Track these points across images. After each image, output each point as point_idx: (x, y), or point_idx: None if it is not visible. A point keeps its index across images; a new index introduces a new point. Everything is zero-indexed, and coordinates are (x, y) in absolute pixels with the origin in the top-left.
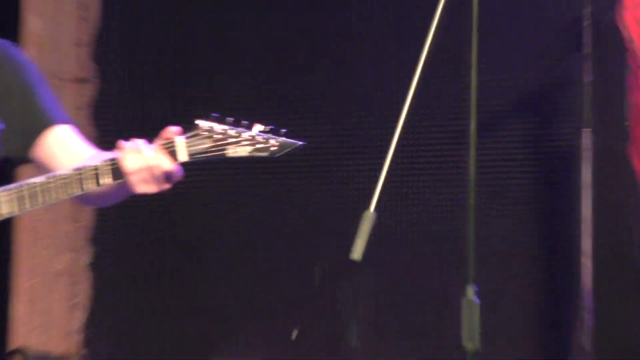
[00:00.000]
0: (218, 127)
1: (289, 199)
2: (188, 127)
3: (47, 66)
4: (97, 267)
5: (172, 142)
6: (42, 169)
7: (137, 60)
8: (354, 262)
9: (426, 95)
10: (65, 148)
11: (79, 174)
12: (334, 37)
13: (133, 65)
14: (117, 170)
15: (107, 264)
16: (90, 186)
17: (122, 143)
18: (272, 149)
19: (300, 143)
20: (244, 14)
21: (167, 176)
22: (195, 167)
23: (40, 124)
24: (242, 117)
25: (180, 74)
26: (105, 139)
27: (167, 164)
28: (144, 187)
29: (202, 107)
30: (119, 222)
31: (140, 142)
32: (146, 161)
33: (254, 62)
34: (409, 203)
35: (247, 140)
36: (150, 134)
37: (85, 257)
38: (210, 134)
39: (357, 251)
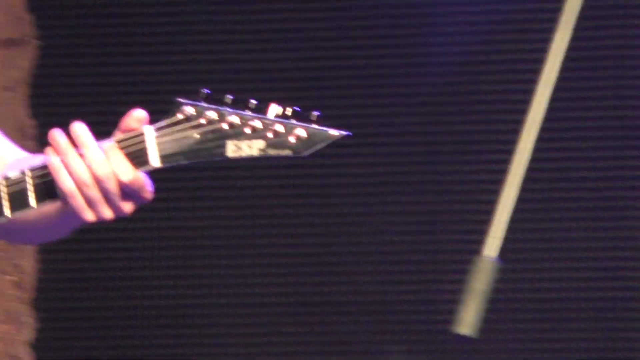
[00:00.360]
0: (210, 111)
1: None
2: (162, 110)
3: None
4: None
5: (137, 136)
6: None
7: (94, 13)
8: None
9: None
10: None
11: None
12: None
13: (88, 21)
14: (46, 187)
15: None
16: (8, 212)
17: (55, 138)
18: (298, 143)
19: (344, 133)
20: None
21: (129, 193)
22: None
23: None
24: (249, 94)
25: (156, 32)
26: (45, 139)
27: (126, 174)
28: (91, 212)
29: (188, 81)
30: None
31: (84, 138)
32: (92, 170)
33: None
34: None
35: (258, 131)
36: (110, 121)
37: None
38: (198, 121)
39: (467, 321)
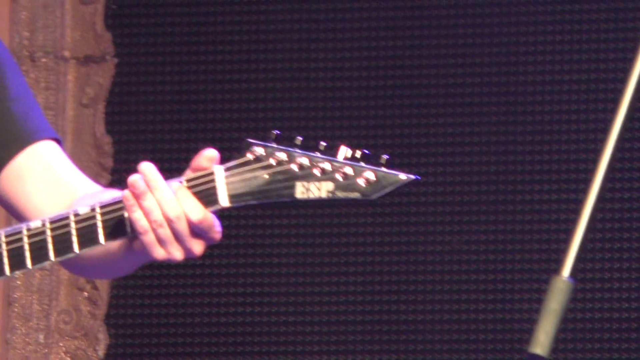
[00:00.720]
0: (280, 152)
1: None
2: (232, 148)
3: (31, 36)
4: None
5: (207, 175)
6: (7, 207)
7: (171, 32)
8: None
9: None
10: (45, 179)
11: (61, 226)
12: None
13: (165, 39)
14: (116, 224)
15: None
16: (77, 248)
17: (133, 179)
18: (366, 186)
19: (412, 177)
20: None
21: (198, 233)
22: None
23: (10, 141)
24: (319, 135)
25: (232, 69)
26: (124, 155)
27: (196, 213)
28: (162, 251)
29: (265, 118)
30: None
31: (154, 178)
32: (164, 211)
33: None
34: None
35: (327, 173)
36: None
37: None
38: (267, 162)
39: (541, 343)
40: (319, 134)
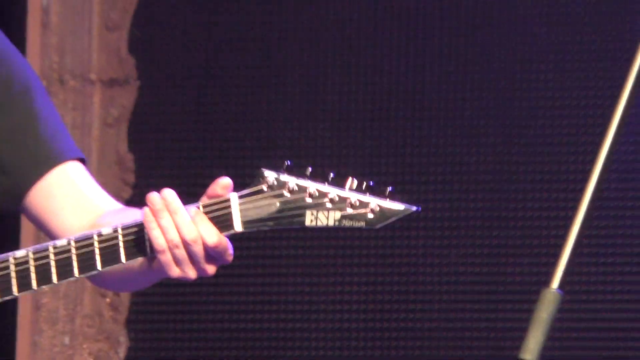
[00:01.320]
0: (292, 182)
1: None
2: (245, 175)
3: (60, 60)
4: None
5: (222, 202)
6: (36, 223)
7: (194, 57)
8: None
9: None
10: (71, 198)
11: (85, 245)
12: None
13: (189, 62)
14: (136, 245)
15: None
16: (99, 266)
17: (152, 201)
18: (371, 216)
19: (414, 209)
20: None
21: (213, 255)
22: None
23: (40, 161)
24: (328, 166)
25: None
26: (145, 172)
27: (212, 237)
28: (177, 270)
29: (277, 144)
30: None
31: (174, 200)
32: (182, 233)
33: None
34: None
35: (335, 203)
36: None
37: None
38: (280, 191)
39: (531, 349)
40: (328, 162)
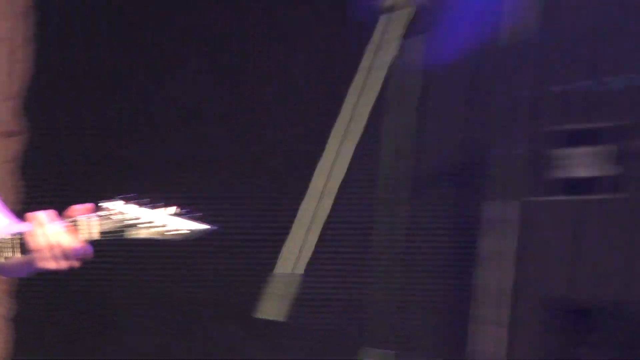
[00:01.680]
0: (124, 208)
1: None
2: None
3: None
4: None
5: (75, 221)
6: None
7: (68, 112)
8: None
9: None
10: None
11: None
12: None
13: (63, 117)
14: (23, 246)
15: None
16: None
17: (31, 215)
18: (177, 233)
19: (208, 227)
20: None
21: (71, 254)
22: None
23: None
24: (168, 193)
25: (112, 132)
26: (32, 192)
27: (70, 243)
28: (48, 263)
29: (132, 172)
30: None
31: (44, 218)
32: (49, 239)
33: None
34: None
35: (153, 223)
36: (81, 188)
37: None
38: (116, 214)
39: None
40: (156, 194)
